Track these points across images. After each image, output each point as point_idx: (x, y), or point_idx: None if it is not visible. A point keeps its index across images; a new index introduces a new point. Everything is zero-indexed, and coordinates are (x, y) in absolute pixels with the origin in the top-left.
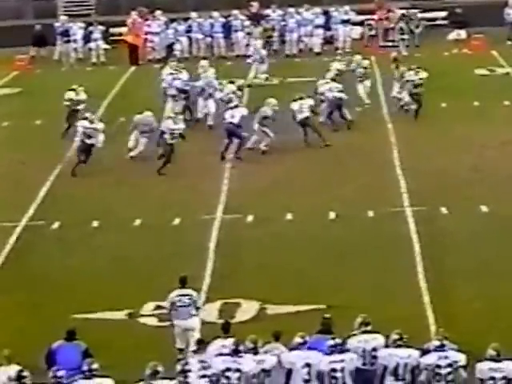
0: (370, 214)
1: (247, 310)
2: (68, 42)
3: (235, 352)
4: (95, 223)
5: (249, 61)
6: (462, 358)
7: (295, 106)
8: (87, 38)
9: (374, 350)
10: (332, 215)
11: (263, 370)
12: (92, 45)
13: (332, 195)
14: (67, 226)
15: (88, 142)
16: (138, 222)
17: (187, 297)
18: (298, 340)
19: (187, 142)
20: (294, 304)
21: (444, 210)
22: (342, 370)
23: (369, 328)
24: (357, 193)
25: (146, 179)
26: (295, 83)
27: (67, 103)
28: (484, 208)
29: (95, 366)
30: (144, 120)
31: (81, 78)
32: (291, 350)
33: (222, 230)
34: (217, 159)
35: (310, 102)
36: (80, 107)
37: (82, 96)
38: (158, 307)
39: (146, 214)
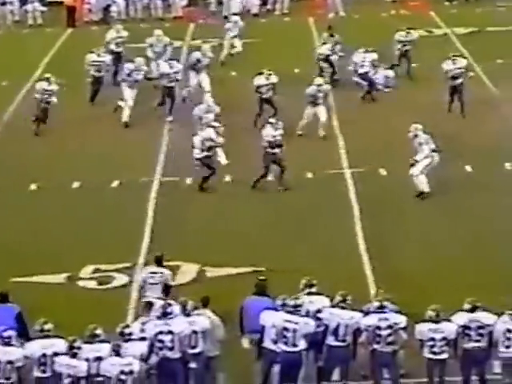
0: (309, 175)
1: (187, 272)
2: (4, 4)
3: (165, 314)
4: (33, 186)
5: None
6: (402, 320)
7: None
8: (23, 1)
9: (319, 311)
10: (271, 177)
11: (194, 332)
12: (29, 7)
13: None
14: (4, 188)
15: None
16: (76, 184)
17: (159, 274)
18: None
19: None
20: (233, 266)
21: (383, 171)
22: (294, 331)
23: (313, 290)
24: (296, 155)
25: (83, 140)
26: None
27: (37, 95)
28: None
29: (48, 326)
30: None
31: (18, 40)
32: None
33: (160, 193)
34: (157, 122)
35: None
36: (53, 99)
37: (54, 86)
38: (97, 270)
39: (85, 176)
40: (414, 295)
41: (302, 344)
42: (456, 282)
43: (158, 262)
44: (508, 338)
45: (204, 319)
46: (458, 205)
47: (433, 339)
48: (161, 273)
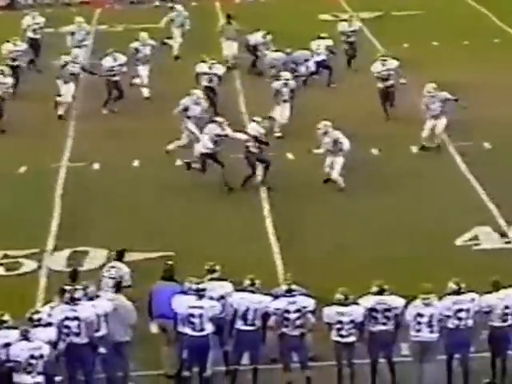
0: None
1: (96, 257)
2: None
3: (72, 300)
4: None
5: None
6: (310, 303)
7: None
8: None
9: (222, 297)
10: (178, 162)
11: (97, 316)
12: None
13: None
14: None
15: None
16: None
17: (115, 269)
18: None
19: (35, 92)
20: (142, 251)
21: (290, 155)
22: (201, 316)
23: (215, 275)
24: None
25: None
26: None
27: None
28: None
29: (5, 318)
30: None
31: None
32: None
33: (68, 178)
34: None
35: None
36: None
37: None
38: (5, 256)
39: None
40: (322, 279)
41: (209, 328)
42: (364, 266)
43: (119, 256)
44: (419, 323)
45: (106, 302)
46: (366, 189)
47: (340, 322)
48: (118, 268)
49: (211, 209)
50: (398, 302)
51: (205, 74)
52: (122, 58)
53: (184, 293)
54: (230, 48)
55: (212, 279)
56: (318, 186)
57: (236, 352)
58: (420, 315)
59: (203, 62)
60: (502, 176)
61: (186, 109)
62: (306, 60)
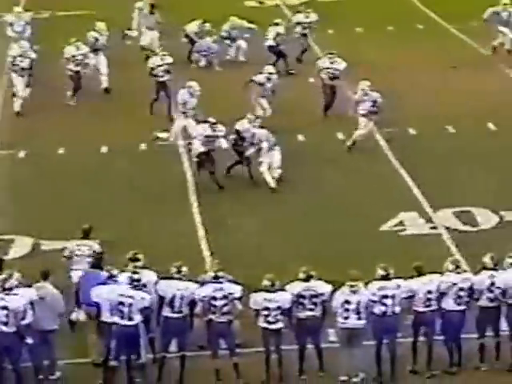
0: (143, 147)
1: (21, 246)
2: None
3: (3, 289)
4: None
5: None
6: (237, 290)
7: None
8: None
9: (145, 286)
10: (104, 149)
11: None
12: None
13: (103, 130)
14: None
15: None
16: None
17: (87, 247)
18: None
19: None
20: (67, 239)
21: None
22: (130, 305)
23: (139, 264)
24: (129, 126)
25: None
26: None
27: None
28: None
29: None
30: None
31: None
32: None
33: None
34: None
35: None
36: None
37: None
38: None
39: None
40: (249, 266)
41: (138, 318)
42: (291, 253)
43: (86, 234)
44: (346, 310)
45: (31, 291)
46: (293, 176)
47: (267, 309)
48: (89, 246)
49: (136, 196)
50: (324, 288)
51: (158, 66)
52: (85, 48)
53: (107, 282)
54: (148, 37)
55: (135, 268)
56: (244, 176)
57: (163, 339)
58: (347, 302)
59: (155, 54)
60: (427, 161)
61: (184, 103)
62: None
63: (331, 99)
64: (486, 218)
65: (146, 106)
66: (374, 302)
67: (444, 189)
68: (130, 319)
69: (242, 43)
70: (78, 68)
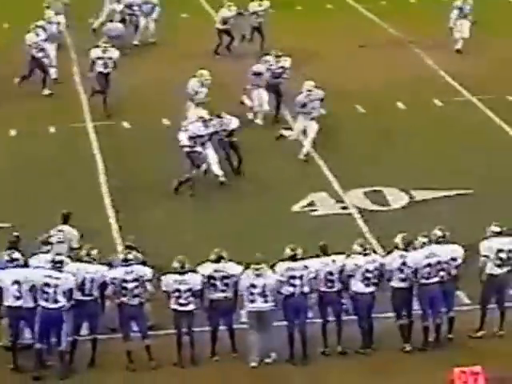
0: (52, 129)
1: None
2: None
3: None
4: None
5: None
6: (147, 272)
7: None
8: None
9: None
10: (13, 132)
11: None
12: None
13: (15, 109)
14: None
15: None
16: None
17: (62, 233)
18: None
19: None
20: None
21: (126, 124)
22: (56, 286)
23: (48, 247)
24: (40, 107)
25: None
26: None
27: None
28: (165, 121)
29: None
30: None
31: None
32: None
33: None
34: None
35: None
36: None
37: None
38: None
39: None
40: (160, 248)
41: (63, 300)
42: (202, 234)
43: (65, 219)
44: (251, 293)
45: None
46: None
47: (178, 290)
48: (63, 231)
49: (49, 181)
50: (235, 269)
51: (99, 58)
52: (43, 34)
53: (7, 266)
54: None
55: (48, 252)
56: (153, 153)
57: (75, 322)
58: (253, 286)
59: (97, 46)
60: (337, 142)
61: (195, 93)
62: None
63: (277, 99)
64: (396, 198)
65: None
66: (282, 282)
67: (354, 169)
68: (56, 301)
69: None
70: (40, 54)
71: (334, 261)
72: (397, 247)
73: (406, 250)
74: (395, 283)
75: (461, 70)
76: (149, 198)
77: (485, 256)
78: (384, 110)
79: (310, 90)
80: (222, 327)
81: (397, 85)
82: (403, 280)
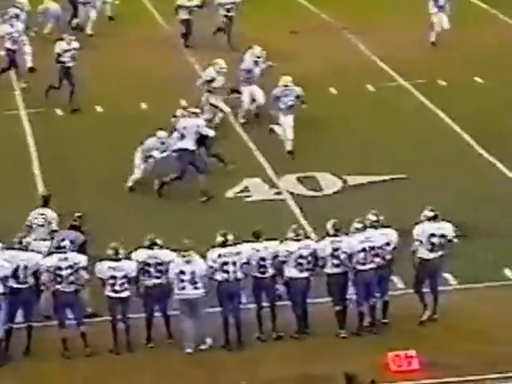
0: None
1: None
2: None
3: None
4: None
5: None
6: (82, 259)
7: None
8: None
9: None
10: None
11: None
12: None
13: None
14: None
15: None
16: None
17: (42, 216)
18: None
19: None
20: None
21: (59, 111)
22: (26, 267)
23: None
24: None
25: None
26: None
27: None
28: (98, 108)
29: None
30: None
31: None
32: None
33: None
34: None
35: None
36: None
37: None
38: None
39: None
40: (94, 234)
41: (31, 280)
42: (136, 222)
43: (45, 202)
44: (181, 280)
45: None
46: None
47: (113, 277)
48: (44, 214)
49: None
50: (169, 256)
51: (66, 51)
52: (20, 25)
53: None
54: None
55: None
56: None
57: (10, 310)
58: (182, 273)
59: (61, 39)
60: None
61: (211, 80)
62: None
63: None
64: (329, 183)
65: None
66: (215, 269)
67: (287, 155)
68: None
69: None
70: (15, 46)
71: (266, 247)
72: (328, 234)
73: (336, 235)
74: (329, 269)
75: (393, 56)
76: (84, 185)
77: (417, 240)
78: (316, 95)
79: (286, 86)
80: (157, 314)
81: (330, 70)
82: (337, 266)
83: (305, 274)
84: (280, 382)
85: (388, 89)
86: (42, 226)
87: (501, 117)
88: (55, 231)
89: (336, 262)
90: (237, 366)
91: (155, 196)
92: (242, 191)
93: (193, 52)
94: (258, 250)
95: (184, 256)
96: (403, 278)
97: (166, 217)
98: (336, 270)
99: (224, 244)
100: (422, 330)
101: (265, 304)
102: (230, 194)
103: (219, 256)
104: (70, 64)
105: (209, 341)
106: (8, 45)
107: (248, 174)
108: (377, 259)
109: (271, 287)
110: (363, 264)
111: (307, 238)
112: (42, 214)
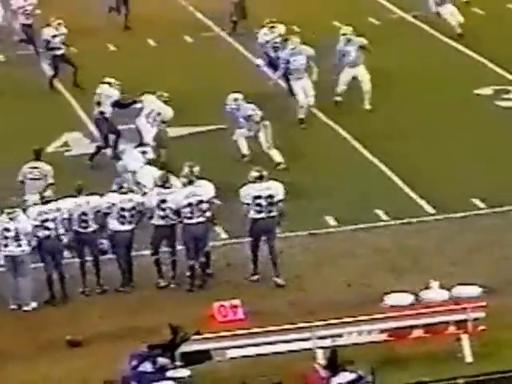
0: None
1: None
2: None
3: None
4: None
5: None
6: None
7: None
8: None
9: None
10: None
11: None
12: None
13: None
14: None
15: None
16: None
17: (37, 169)
18: None
19: None
20: None
21: None
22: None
23: None
24: None
25: None
26: None
27: None
28: None
29: None
30: None
31: None
32: None
33: None
34: None
35: None
36: None
37: None
38: None
39: None
40: None
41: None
42: None
43: (37, 155)
44: (6, 237)
45: None
46: None
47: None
48: (38, 168)
49: None
50: None
51: (54, 37)
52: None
53: None
54: None
55: None
56: None
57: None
58: (6, 230)
59: (48, 25)
60: (88, 81)
61: None
62: None
63: None
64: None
65: None
66: (37, 226)
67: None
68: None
69: None
70: (30, 21)
71: (88, 202)
72: (156, 184)
73: (163, 187)
74: (156, 221)
75: (210, 6)
76: None
77: (245, 204)
78: (135, 47)
79: (293, 48)
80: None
81: (146, 22)
82: (163, 218)
83: (128, 227)
84: (105, 336)
85: (205, 39)
86: (39, 179)
87: None
88: (51, 184)
89: (162, 213)
90: (62, 321)
91: None
92: (62, 146)
93: None
94: (79, 205)
95: (8, 213)
96: (226, 228)
97: None
98: (162, 222)
99: (45, 202)
100: (244, 281)
101: (88, 258)
102: (50, 148)
103: (39, 213)
104: (61, 52)
105: (33, 304)
106: (22, 20)
107: (68, 129)
108: (206, 213)
109: (94, 241)
110: (190, 218)
111: (131, 191)
112: (35, 168)
